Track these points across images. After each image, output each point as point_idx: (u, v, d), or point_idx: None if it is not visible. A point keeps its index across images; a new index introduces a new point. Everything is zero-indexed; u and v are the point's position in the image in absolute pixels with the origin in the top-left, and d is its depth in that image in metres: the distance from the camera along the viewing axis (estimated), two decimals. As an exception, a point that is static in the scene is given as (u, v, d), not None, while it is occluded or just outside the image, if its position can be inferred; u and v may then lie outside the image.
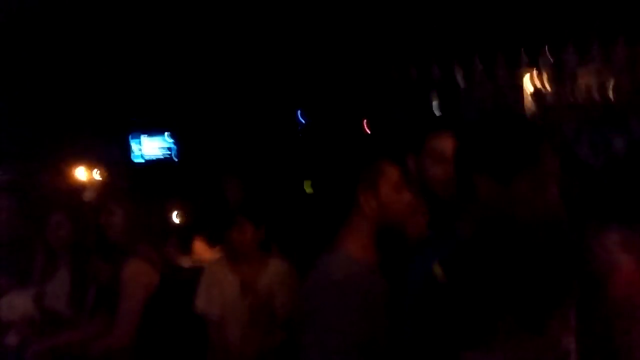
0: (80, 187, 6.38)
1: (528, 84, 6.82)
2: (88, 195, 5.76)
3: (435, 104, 6.85)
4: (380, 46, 6.21)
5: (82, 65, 6.97)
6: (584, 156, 5.99)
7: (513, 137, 1.45)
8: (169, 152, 9.17)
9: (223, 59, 6.61)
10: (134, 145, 9.12)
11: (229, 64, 6.63)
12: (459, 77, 6.81)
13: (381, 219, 1.84)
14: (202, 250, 4.37)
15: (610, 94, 6.67)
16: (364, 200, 1.84)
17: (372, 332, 1.72)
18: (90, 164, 8.21)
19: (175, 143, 9.04)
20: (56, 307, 3.22)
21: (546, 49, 6.56)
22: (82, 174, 8.49)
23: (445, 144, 1.95)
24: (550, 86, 6.81)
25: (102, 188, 5.66)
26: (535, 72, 6.81)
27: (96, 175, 8.35)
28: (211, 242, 4.28)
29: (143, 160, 9.17)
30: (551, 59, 6.67)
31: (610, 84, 6.66)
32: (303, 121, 7.15)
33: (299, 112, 7.13)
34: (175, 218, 4.49)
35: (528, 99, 6.85)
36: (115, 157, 8.46)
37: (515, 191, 1.43)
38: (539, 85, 6.84)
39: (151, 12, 6.70)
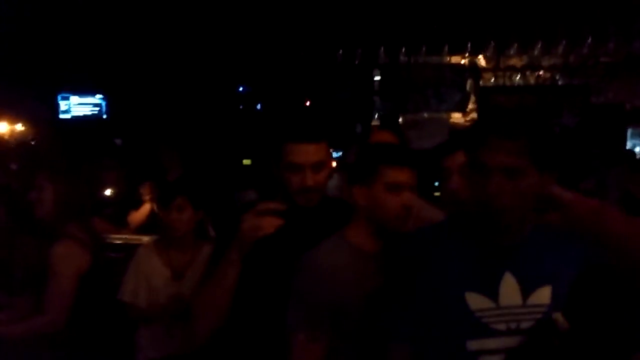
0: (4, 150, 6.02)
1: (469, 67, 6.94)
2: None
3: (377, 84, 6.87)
4: (326, 27, 6.09)
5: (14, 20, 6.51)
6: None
7: None
8: (98, 110, 8.81)
9: (163, 24, 6.33)
10: (61, 103, 8.70)
11: (172, 33, 6.36)
12: (402, 59, 6.83)
13: (371, 216, 1.91)
14: (138, 221, 4.22)
15: (545, 77, 6.87)
16: (357, 196, 1.91)
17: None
18: (14, 119, 7.80)
19: (105, 101, 8.68)
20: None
21: (492, 44, 6.66)
22: (3, 128, 8.07)
23: (295, 152, 2.02)
24: (488, 70, 6.94)
25: (28, 153, 5.36)
26: (475, 57, 6.92)
27: (19, 128, 7.95)
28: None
29: (70, 117, 8.77)
30: (493, 47, 6.77)
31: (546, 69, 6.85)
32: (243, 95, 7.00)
33: (240, 87, 6.97)
34: (108, 191, 4.31)
35: (468, 82, 6.96)
36: (42, 114, 8.05)
37: None
38: (478, 67, 6.96)
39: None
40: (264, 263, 2.00)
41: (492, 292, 1.53)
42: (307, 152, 2.03)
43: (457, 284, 1.54)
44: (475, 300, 1.53)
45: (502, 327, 1.53)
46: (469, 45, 6.82)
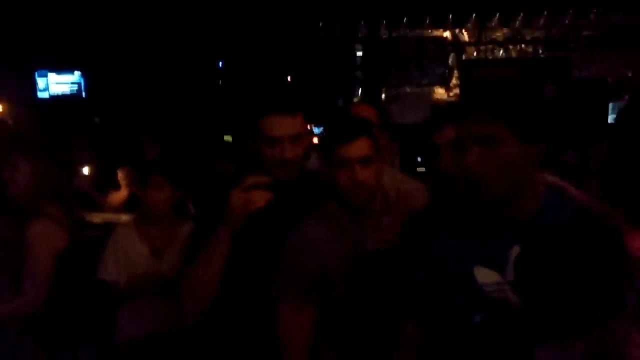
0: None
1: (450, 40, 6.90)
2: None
3: (358, 59, 6.82)
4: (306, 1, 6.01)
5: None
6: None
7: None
8: (77, 89, 8.67)
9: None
10: (39, 81, 8.55)
11: (149, 8, 6.24)
12: (383, 32, 6.77)
13: (337, 193, 2.00)
14: (116, 203, 4.22)
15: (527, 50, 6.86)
16: (325, 176, 2.04)
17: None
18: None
19: (84, 79, 8.55)
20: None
21: (473, 16, 6.62)
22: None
23: (273, 125, 2.04)
24: (470, 43, 6.91)
25: (4, 133, 5.27)
26: (457, 30, 6.89)
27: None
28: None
29: (48, 96, 8.63)
30: (474, 20, 6.74)
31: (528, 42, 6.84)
32: (223, 71, 6.93)
33: (220, 62, 6.89)
34: (85, 170, 4.26)
35: (450, 56, 6.93)
36: (20, 93, 7.91)
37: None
38: (460, 41, 6.93)
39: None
40: (249, 238, 2.00)
41: (500, 266, 1.54)
42: (284, 125, 2.03)
43: (465, 260, 1.57)
44: (483, 274, 1.55)
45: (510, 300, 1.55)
46: (450, 17, 6.76)
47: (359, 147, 1.94)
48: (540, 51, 6.92)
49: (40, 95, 8.59)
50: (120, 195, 4.30)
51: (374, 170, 1.97)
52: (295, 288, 1.95)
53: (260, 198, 1.91)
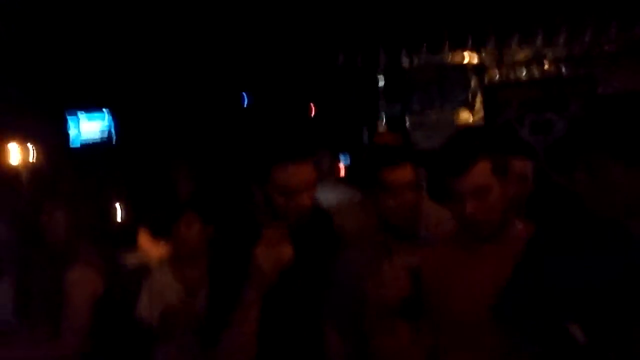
0: (15, 175, 6.07)
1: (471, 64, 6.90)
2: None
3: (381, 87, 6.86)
4: (326, 31, 6.07)
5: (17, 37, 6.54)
6: (525, 137, 6.10)
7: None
8: (107, 134, 8.86)
9: (165, 37, 6.33)
10: (71, 127, 8.76)
11: (172, 43, 6.36)
12: (404, 59, 6.81)
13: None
14: (147, 244, 4.23)
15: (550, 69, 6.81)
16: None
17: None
18: (24, 144, 7.83)
19: (114, 123, 8.73)
20: (1, 316, 3.07)
21: (492, 37, 6.62)
22: (15, 155, 8.12)
23: (288, 176, 1.92)
24: (492, 66, 6.89)
25: (39, 179, 5.40)
26: (478, 53, 6.88)
27: (32, 154, 7.98)
28: (156, 236, 4.14)
29: (79, 145, 8.83)
30: (494, 42, 6.73)
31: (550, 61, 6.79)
32: (247, 102, 7.00)
33: (244, 94, 6.98)
34: (119, 214, 4.32)
35: (472, 80, 6.91)
36: (51, 138, 8.08)
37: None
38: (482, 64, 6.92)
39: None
40: (280, 291, 1.95)
41: None
42: (299, 174, 1.94)
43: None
44: None
45: None
46: (469, 40, 6.76)
47: (406, 173, 2.03)
48: (563, 69, 6.85)
49: (72, 145, 8.79)
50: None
51: (418, 195, 2.07)
52: (342, 317, 2.01)
53: (287, 251, 1.83)
